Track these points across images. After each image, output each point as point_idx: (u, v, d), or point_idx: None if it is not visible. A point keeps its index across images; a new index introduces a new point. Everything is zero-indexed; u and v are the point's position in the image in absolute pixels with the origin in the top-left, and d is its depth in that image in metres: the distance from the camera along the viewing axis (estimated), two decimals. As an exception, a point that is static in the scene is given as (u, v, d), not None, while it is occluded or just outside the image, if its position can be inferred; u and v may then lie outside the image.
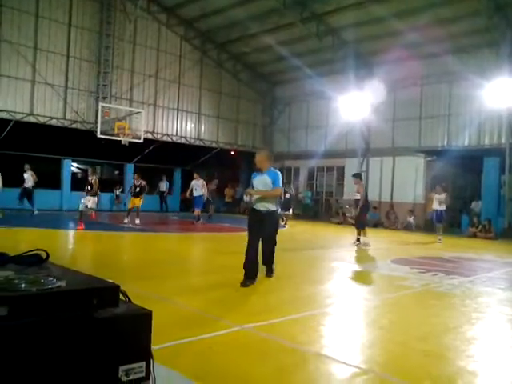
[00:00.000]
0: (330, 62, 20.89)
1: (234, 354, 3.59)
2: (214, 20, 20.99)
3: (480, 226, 16.69)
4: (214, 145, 24.20)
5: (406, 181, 19.96)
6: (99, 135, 18.67)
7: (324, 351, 3.80)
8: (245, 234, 6.53)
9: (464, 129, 18.34)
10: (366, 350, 3.95)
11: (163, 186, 22.41)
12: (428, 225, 19.17)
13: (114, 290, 1.58)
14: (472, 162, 17.83)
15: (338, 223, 20.37)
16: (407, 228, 18.66)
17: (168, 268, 7.49)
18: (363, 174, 21.18)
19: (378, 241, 14.45)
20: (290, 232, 16.46)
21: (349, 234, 16.55)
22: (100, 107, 18.95)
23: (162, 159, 22.81)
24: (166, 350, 3.40)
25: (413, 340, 4.19)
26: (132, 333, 1.51)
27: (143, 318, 1.56)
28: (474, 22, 16.46)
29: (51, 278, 1.53)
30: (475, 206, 18.29)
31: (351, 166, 21.96)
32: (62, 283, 1.51)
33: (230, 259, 7.97)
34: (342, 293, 6.42)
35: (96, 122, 18.99)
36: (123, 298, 1.65)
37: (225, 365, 3.32)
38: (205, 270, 7.80)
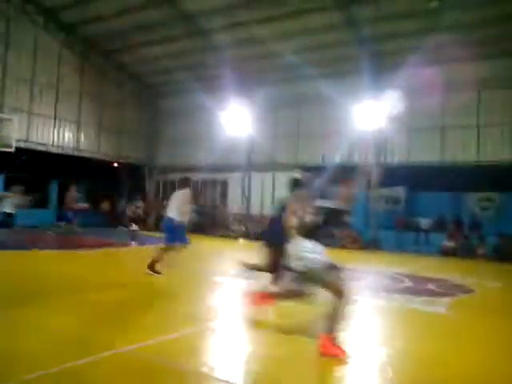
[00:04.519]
0: (213, 78, 21.24)
1: (114, 380, 3.56)
2: (97, 27, 20.31)
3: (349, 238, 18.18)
4: (95, 156, 23.22)
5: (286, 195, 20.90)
6: (-38, 143, 16.98)
7: (205, 369, 3.92)
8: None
9: (337, 147, 19.75)
10: (247, 366, 4.16)
11: None
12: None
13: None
14: (346, 176, 19.29)
15: (223, 236, 20.77)
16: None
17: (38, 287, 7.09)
18: (245, 189, 21.94)
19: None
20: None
21: (229, 247, 16.94)
22: (-36, 112, 17.27)
23: (37, 170, 21.34)
24: (37, 379, 3.28)
25: (285, 354, 4.51)
26: None
27: None
28: (343, 51, 18.17)
29: None
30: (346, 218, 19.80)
31: (234, 180, 22.63)
32: None
33: (106, 275, 7.77)
34: (221, 309, 6.61)
35: (-41, 128, 17.25)
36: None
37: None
38: (79, 288, 7.50)
